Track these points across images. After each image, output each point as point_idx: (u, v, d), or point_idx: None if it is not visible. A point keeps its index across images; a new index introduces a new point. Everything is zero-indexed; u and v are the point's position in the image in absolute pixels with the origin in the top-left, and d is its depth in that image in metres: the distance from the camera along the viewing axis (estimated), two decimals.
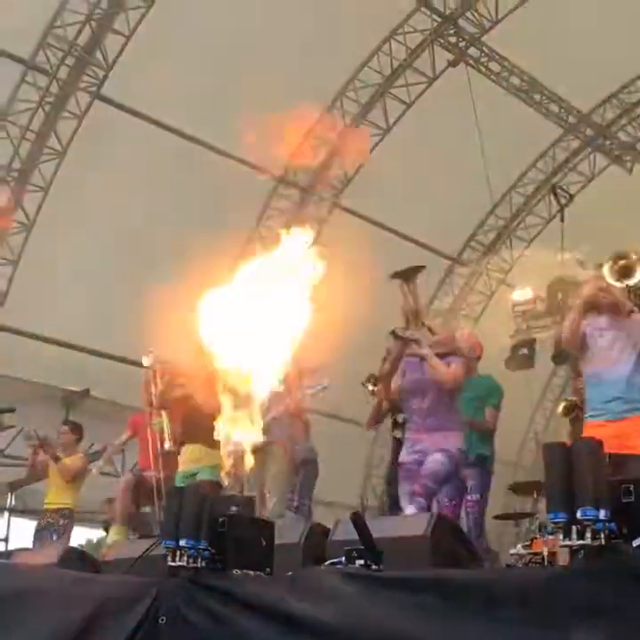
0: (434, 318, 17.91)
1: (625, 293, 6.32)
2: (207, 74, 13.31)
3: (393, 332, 7.30)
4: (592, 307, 6.46)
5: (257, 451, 7.40)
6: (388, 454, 9.12)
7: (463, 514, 8.10)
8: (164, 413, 8.62)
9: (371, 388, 8.87)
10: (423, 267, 7.28)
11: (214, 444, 7.25)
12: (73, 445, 9.88)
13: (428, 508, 6.59)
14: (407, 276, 7.05)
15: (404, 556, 4.57)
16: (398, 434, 8.58)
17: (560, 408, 7.55)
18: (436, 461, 6.92)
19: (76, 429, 10.02)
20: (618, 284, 6.29)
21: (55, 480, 9.68)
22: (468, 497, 8.12)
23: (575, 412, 7.12)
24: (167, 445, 8.47)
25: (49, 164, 13.52)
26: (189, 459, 8.63)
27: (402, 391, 7.29)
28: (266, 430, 7.38)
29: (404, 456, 7.21)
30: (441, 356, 7.27)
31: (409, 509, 6.63)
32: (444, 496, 7.49)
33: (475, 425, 8.21)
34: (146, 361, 8.70)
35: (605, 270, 6.31)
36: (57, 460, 9.64)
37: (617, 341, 6.33)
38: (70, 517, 9.62)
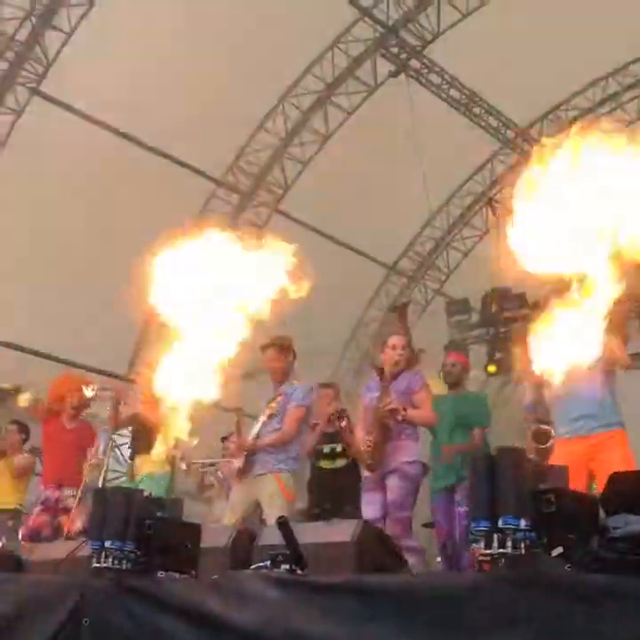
0: (370, 323, 18.07)
1: None
2: (148, 73, 13.24)
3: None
4: None
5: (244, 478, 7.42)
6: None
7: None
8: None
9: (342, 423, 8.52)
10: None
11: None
12: (19, 445, 9.70)
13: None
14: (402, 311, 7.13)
15: (330, 561, 4.61)
16: (322, 463, 8.99)
17: (532, 434, 7.59)
18: (394, 489, 7.13)
19: (24, 429, 9.82)
20: None
21: (2, 480, 9.50)
22: (459, 509, 8.28)
23: (550, 441, 7.19)
24: (78, 524, 8.28)
25: None
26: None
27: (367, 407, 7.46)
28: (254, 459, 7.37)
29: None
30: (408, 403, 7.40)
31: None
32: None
33: (464, 450, 8.37)
34: (88, 392, 8.68)
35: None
36: (3, 455, 9.49)
37: None
38: (17, 518, 9.36)
